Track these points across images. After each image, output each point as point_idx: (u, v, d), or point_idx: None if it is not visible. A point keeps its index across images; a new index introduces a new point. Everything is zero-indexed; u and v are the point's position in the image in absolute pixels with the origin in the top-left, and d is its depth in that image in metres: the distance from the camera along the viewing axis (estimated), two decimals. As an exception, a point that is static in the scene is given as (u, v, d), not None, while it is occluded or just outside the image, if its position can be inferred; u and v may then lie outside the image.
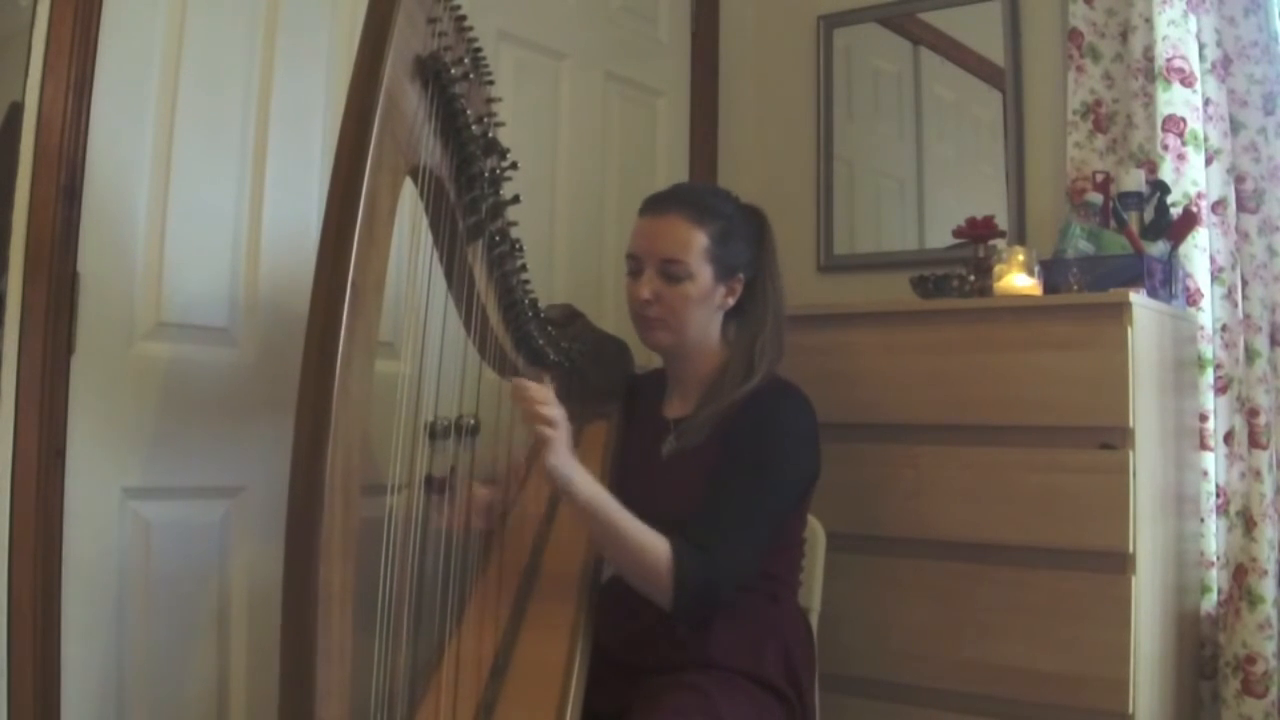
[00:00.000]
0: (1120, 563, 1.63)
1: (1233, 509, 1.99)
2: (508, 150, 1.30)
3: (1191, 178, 2.00)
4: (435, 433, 1.27)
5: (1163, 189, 1.96)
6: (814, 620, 1.66)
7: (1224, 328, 2.02)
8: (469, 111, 1.21)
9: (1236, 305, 2.02)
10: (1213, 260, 2.02)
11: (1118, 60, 2.14)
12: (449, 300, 1.36)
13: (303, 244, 1.59)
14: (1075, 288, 1.83)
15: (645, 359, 1.77)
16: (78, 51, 1.45)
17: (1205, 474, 1.99)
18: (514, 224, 1.38)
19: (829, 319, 1.93)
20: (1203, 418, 2.00)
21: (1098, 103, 2.15)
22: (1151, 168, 2.01)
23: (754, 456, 1.46)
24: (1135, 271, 1.80)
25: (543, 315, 1.53)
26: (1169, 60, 2.01)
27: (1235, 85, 2.05)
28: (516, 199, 1.36)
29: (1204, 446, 1.99)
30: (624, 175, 2.36)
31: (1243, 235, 2.03)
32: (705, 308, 1.55)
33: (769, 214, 1.63)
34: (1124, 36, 2.12)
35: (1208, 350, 2.00)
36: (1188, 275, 1.98)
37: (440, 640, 1.37)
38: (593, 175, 2.31)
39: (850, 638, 1.82)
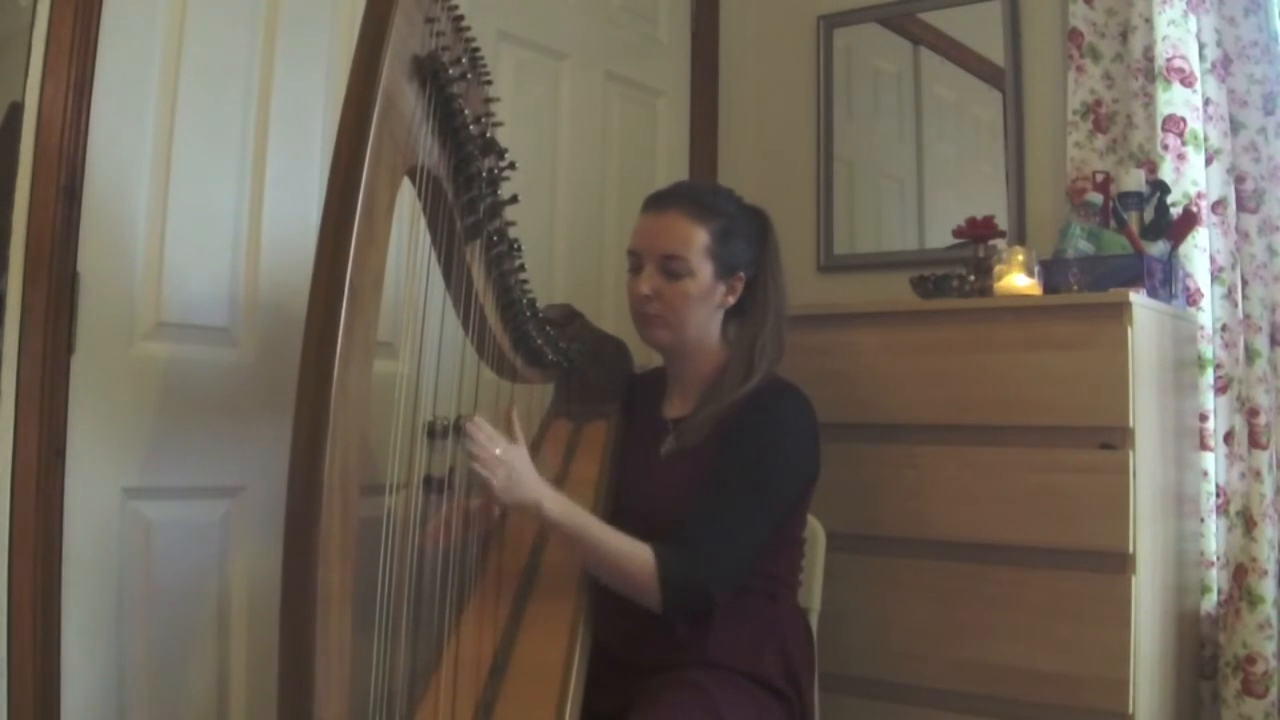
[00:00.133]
0: (1120, 563, 1.63)
1: (1233, 509, 1.99)
2: (506, 150, 1.30)
3: (1191, 178, 2.00)
4: (434, 433, 1.27)
5: (1163, 189, 1.96)
6: (814, 620, 1.66)
7: (1224, 328, 2.02)
8: (467, 111, 1.21)
9: (1236, 305, 2.02)
10: (1213, 260, 2.02)
11: (1118, 60, 2.14)
12: (447, 300, 1.36)
13: (302, 244, 1.57)
14: (1075, 288, 1.83)
15: (645, 359, 1.77)
16: (78, 51, 1.45)
17: (1205, 474, 1.99)
18: (512, 224, 1.38)
19: (829, 319, 1.93)
20: (1203, 418, 1.99)
21: (1098, 103, 2.15)
22: (1151, 168, 2.01)
23: (752, 456, 1.46)
24: (1135, 271, 1.80)
25: (541, 315, 1.53)
26: (1169, 60, 2.01)
27: (1235, 85, 2.05)
28: (515, 199, 1.36)
29: (1204, 446, 1.99)
30: (624, 175, 2.36)
31: (1243, 235, 2.03)
32: (705, 305, 1.55)
33: (769, 214, 1.63)
34: (1124, 36, 2.12)
35: (1208, 350, 2.00)
36: (1188, 275, 1.98)
37: (439, 640, 1.37)
38: (593, 175, 2.31)
39: (850, 638, 1.82)
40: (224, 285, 1.64)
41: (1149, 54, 2.04)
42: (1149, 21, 2.04)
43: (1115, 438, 1.65)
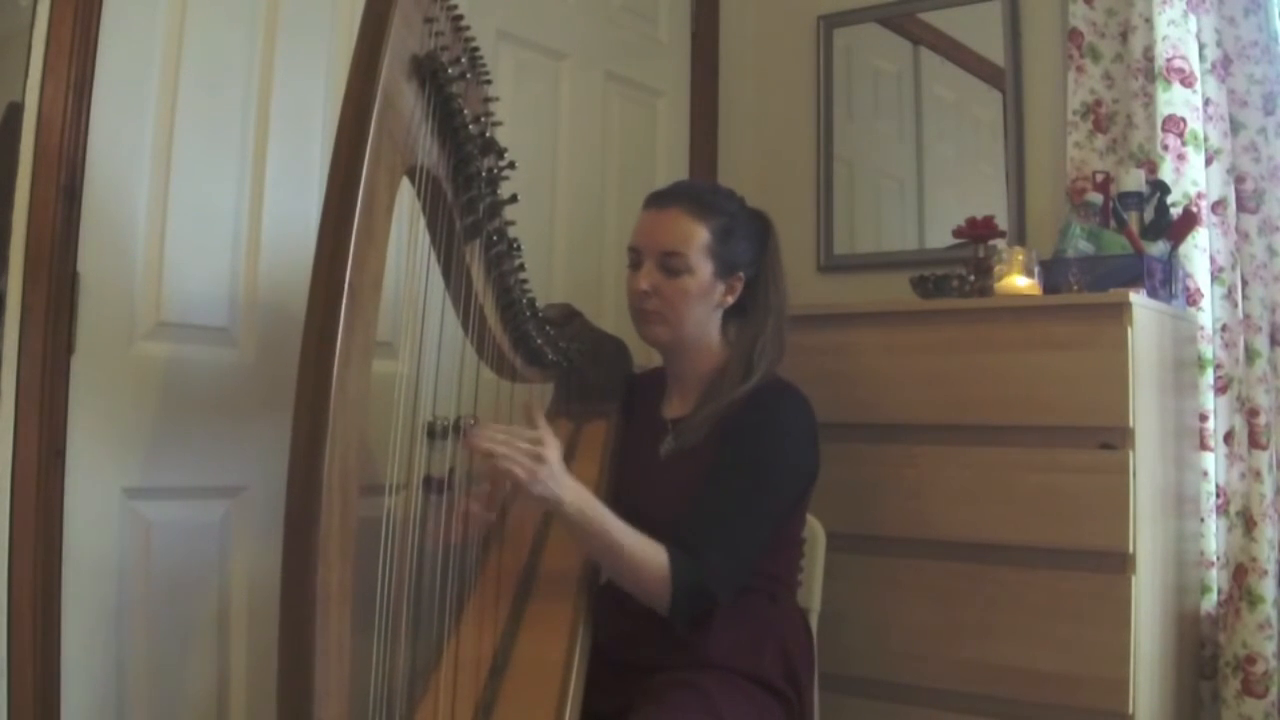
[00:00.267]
0: (1120, 563, 1.63)
1: (1233, 509, 1.99)
2: (505, 150, 1.30)
3: (1191, 178, 2.00)
4: (434, 433, 1.27)
5: (1163, 189, 1.96)
6: (814, 620, 1.66)
7: (1224, 328, 2.02)
8: (466, 111, 1.21)
9: (1236, 305, 2.02)
10: (1213, 260, 2.02)
11: (1118, 60, 2.14)
12: (447, 300, 1.36)
13: (302, 243, 1.57)
14: (1075, 288, 1.83)
15: (645, 358, 1.77)
16: (78, 51, 1.45)
17: (1205, 474, 1.99)
18: (511, 223, 1.38)
19: (829, 319, 1.93)
20: (1203, 418, 1.99)
21: (1098, 103, 2.15)
22: (1151, 168, 2.01)
23: (751, 456, 1.46)
24: (1135, 271, 1.80)
25: (541, 315, 1.53)
26: (1169, 60, 2.01)
27: (1235, 85, 2.05)
28: (514, 198, 1.36)
29: (1204, 446, 1.99)
30: (624, 175, 2.36)
31: (1243, 235, 2.03)
32: (704, 304, 1.55)
33: (769, 214, 1.63)
34: (1124, 36, 2.12)
35: (1208, 350, 2.00)
36: (1188, 275, 1.98)
37: (439, 640, 1.37)
38: (593, 175, 2.31)
39: (850, 638, 1.82)
40: (224, 285, 1.64)
41: (1149, 54, 2.04)
42: (1149, 21, 2.04)
43: (1115, 438, 1.65)
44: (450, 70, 1.17)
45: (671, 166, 2.50)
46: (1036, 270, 1.83)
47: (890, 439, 1.84)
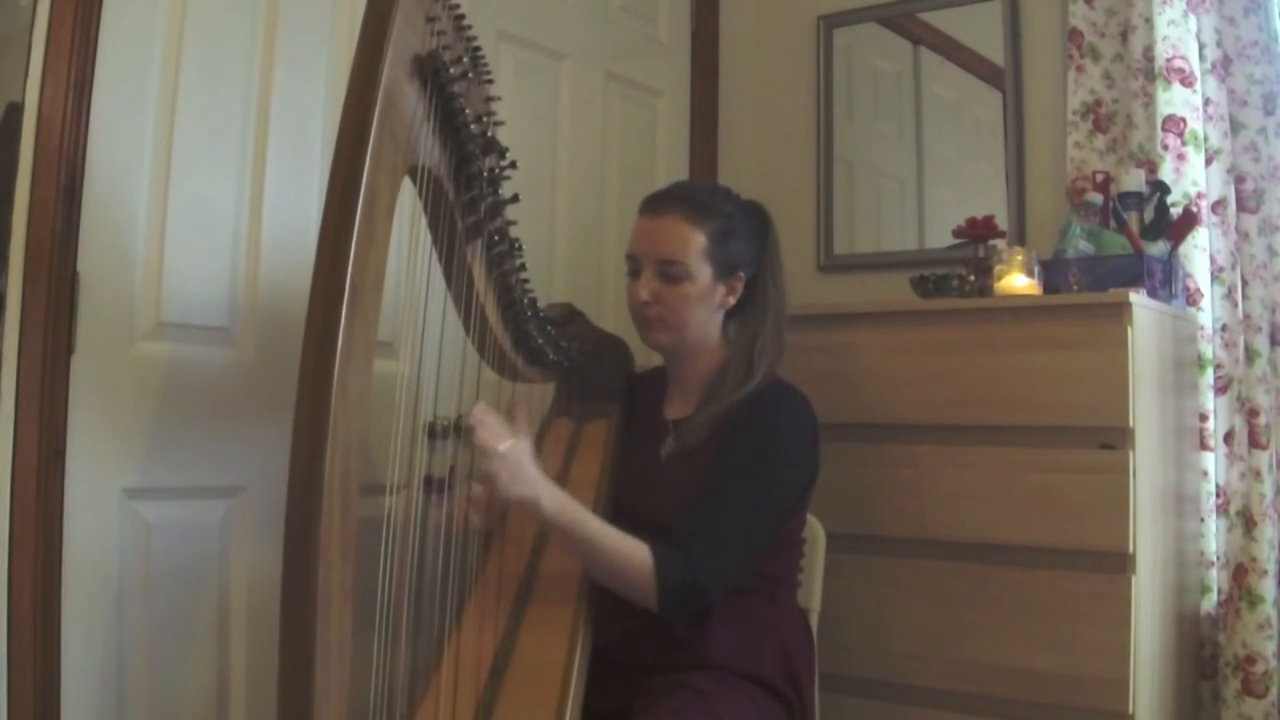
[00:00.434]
0: (1120, 563, 1.63)
1: (1233, 509, 1.99)
2: (506, 149, 1.30)
3: (1191, 178, 2.00)
4: (434, 433, 1.27)
5: (1163, 189, 1.96)
6: (814, 620, 1.66)
7: (1224, 328, 2.02)
8: (467, 110, 1.21)
9: (1236, 305, 2.02)
10: (1213, 260, 2.02)
11: (1118, 60, 2.14)
12: (448, 300, 1.36)
13: (303, 244, 1.58)
14: (1075, 288, 1.83)
15: (645, 358, 1.77)
16: (78, 51, 1.45)
17: (1205, 474, 1.99)
18: (513, 223, 1.38)
19: (829, 319, 1.92)
20: (1203, 418, 1.99)
21: (1098, 103, 2.15)
22: (1151, 168, 2.01)
23: (751, 458, 1.46)
24: (1135, 271, 1.80)
25: (542, 314, 1.53)
26: (1169, 60, 2.01)
27: (1235, 85, 2.05)
28: (515, 198, 1.36)
29: (1204, 446, 1.99)
30: (624, 175, 2.36)
31: (1243, 235, 2.03)
32: (705, 308, 1.55)
33: (767, 209, 1.62)
34: (1124, 36, 2.12)
35: (1208, 350, 2.00)
36: (1188, 275, 1.98)
37: (439, 640, 1.37)
38: (593, 175, 2.31)
39: (850, 638, 1.82)
40: (224, 285, 1.64)
41: (1149, 54, 2.04)
42: (1149, 21, 2.04)
43: (1115, 438, 1.65)
44: (452, 70, 1.17)
45: (671, 166, 2.50)
46: (1036, 270, 1.83)
47: (890, 439, 1.84)
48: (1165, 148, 2.01)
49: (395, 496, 1.22)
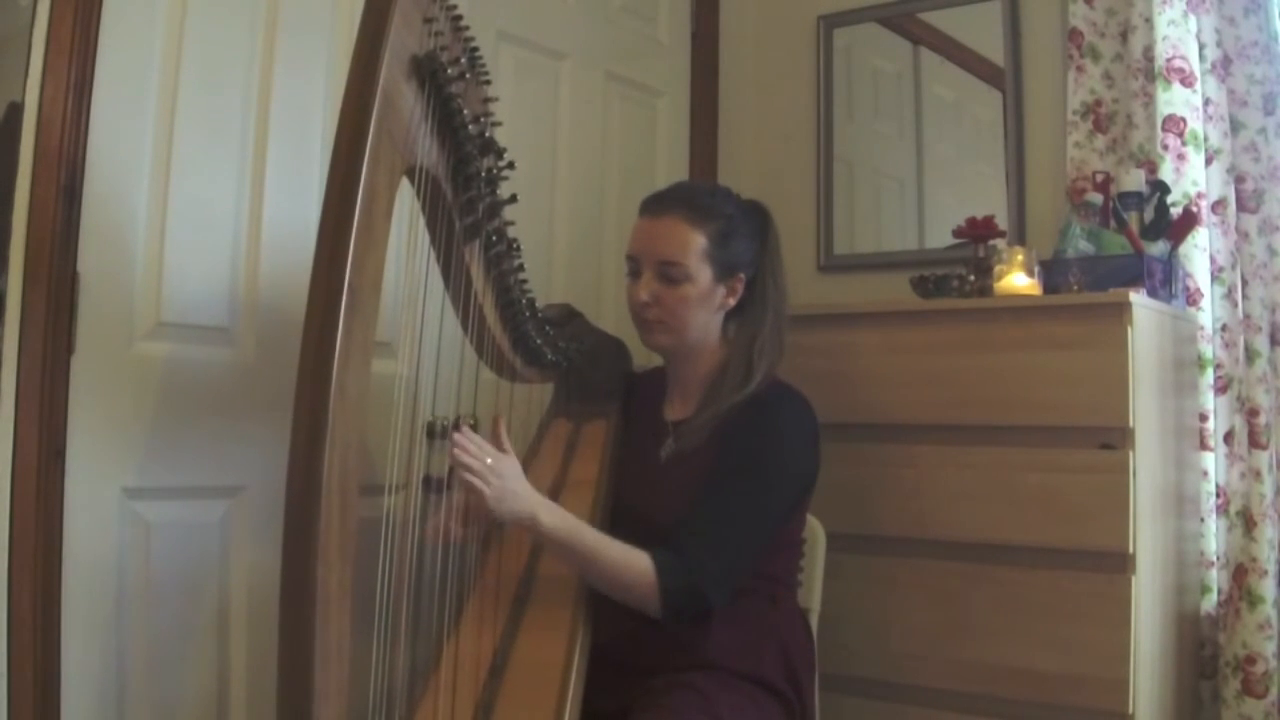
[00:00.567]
0: (1120, 563, 1.63)
1: (1233, 509, 1.99)
2: (505, 150, 1.30)
3: (1191, 178, 2.00)
4: (433, 433, 1.27)
5: (1163, 189, 1.96)
6: (814, 620, 1.66)
7: (1224, 328, 2.02)
8: (465, 111, 1.21)
9: (1236, 305, 2.02)
10: (1213, 260, 2.02)
11: (1118, 60, 2.14)
12: (446, 300, 1.36)
13: (302, 244, 1.57)
14: (1075, 288, 1.83)
15: (645, 358, 1.77)
16: (78, 51, 1.45)
17: (1205, 474, 1.99)
18: (511, 223, 1.38)
19: (829, 319, 1.93)
20: (1203, 418, 1.99)
21: (1098, 103, 2.15)
22: (1151, 168, 2.01)
23: (751, 460, 1.46)
24: (1135, 271, 1.80)
25: (540, 315, 1.53)
26: (1169, 60, 2.01)
27: (1235, 85, 2.05)
28: (514, 198, 1.36)
29: (1204, 446, 1.99)
30: (624, 175, 2.36)
31: (1243, 235, 2.03)
32: (705, 309, 1.55)
33: (768, 207, 1.62)
34: (1124, 36, 2.12)
35: (1208, 350, 2.00)
36: (1188, 275, 1.98)
37: (439, 640, 1.37)
38: (593, 175, 2.31)
39: (850, 638, 1.82)
40: (224, 285, 1.64)
41: (1149, 54, 2.04)
42: (1149, 21, 2.04)
43: (1115, 438, 1.65)
44: (450, 70, 1.17)
45: (671, 166, 2.50)
46: (1036, 270, 1.83)
47: (890, 439, 1.84)
48: (1165, 148, 2.01)
49: (394, 496, 1.22)
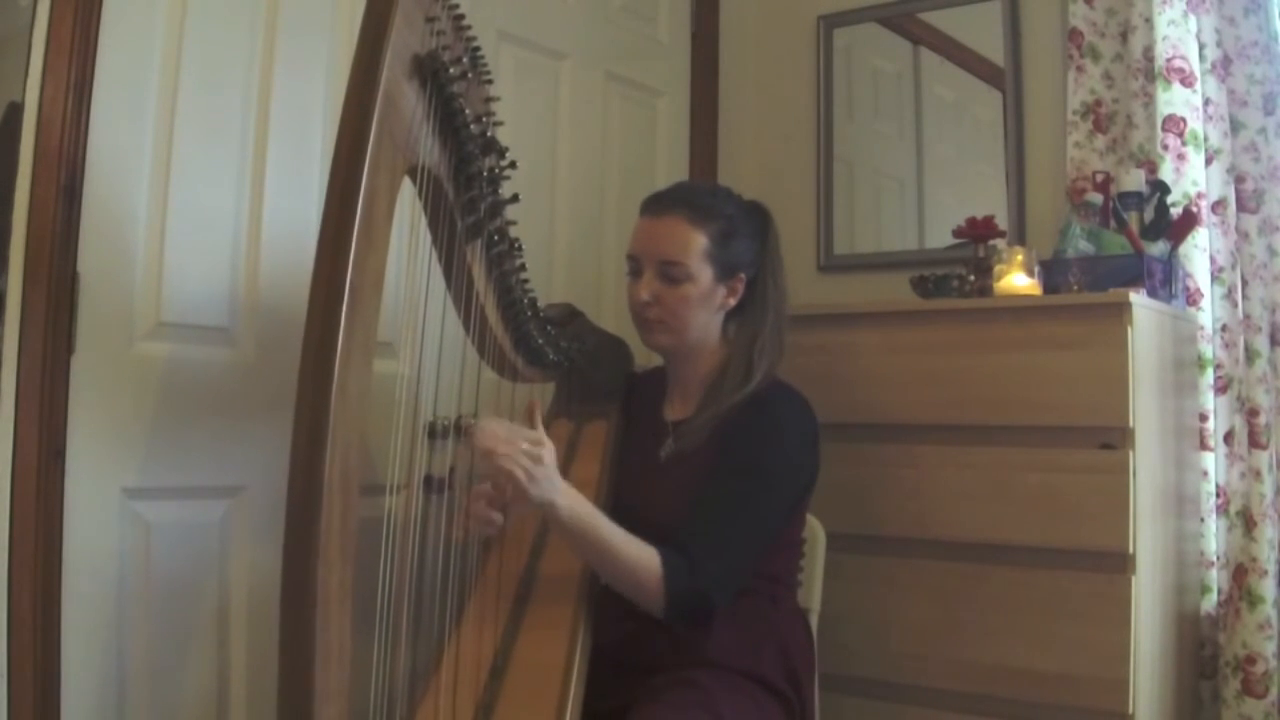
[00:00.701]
0: (1120, 563, 1.63)
1: (1233, 509, 1.99)
2: (506, 149, 1.30)
3: (1191, 178, 2.00)
4: (434, 433, 1.27)
5: (1163, 189, 1.96)
6: (814, 620, 1.66)
7: (1224, 328, 2.02)
8: (467, 111, 1.21)
9: (1236, 305, 2.02)
10: (1213, 260, 2.02)
11: (1118, 60, 2.14)
12: (448, 300, 1.36)
13: (303, 244, 1.58)
14: (1075, 288, 1.83)
15: (645, 358, 1.77)
16: (78, 51, 1.45)
17: (1205, 474, 1.99)
18: (513, 223, 1.38)
19: (829, 319, 1.93)
20: (1203, 418, 1.99)
21: (1098, 103, 2.15)
22: (1151, 168, 2.01)
23: (751, 460, 1.46)
24: (1135, 271, 1.80)
25: (542, 314, 1.53)
26: (1169, 60, 2.01)
27: (1235, 85, 2.05)
28: (515, 198, 1.36)
29: (1204, 446, 1.99)
30: (624, 175, 2.36)
31: (1243, 235, 2.03)
32: (706, 309, 1.55)
33: (768, 207, 1.62)
34: (1124, 36, 2.12)
35: (1208, 350, 2.00)
36: (1188, 275, 1.98)
37: (439, 640, 1.37)
38: (593, 175, 2.31)
39: (850, 638, 1.82)
40: (224, 285, 1.64)
41: (1149, 54, 2.04)
42: (1149, 21, 2.04)
43: (1115, 438, 1.65)
44: (452, 70, 1.17)
45: (671, 167, 2.50)
46: (1036, 270, 1.83)
47: (890, 439, 1.84)
48: (1165, 148, 2.01)
49: (395, 496, 1.22)
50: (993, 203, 2.27)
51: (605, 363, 1.73)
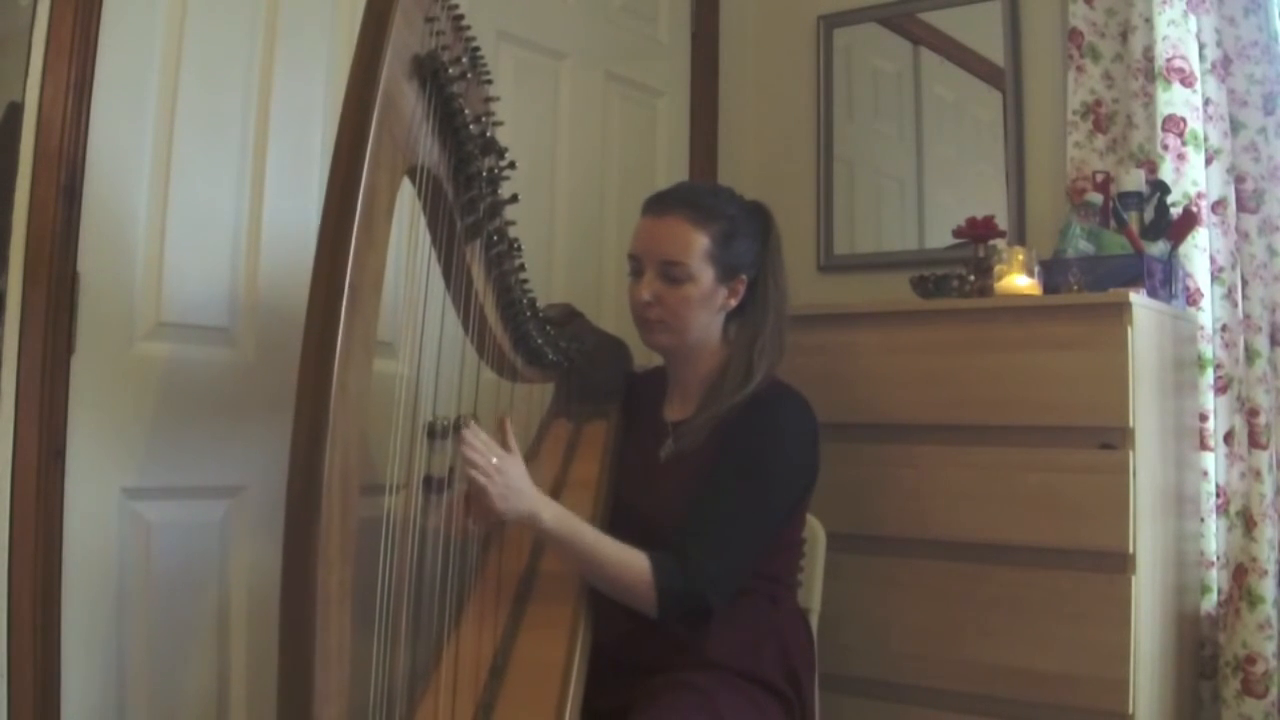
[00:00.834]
0: (1120, 563, 1.63)
1: (1233, 509, 1.99)
2: (506, 149, 1.30)
3: (1191, 178, 2.00)
4: (434, 433, 1.27)
5: (1163, 189, 1.96)
6: (814, 620, 1.66)
7: (1224, 328, 2.02)
8: (467, 111, 1.21)
9: (1236, 305, 2.02)
10: (1213, 260, 2.02)
11: (1118, 60, 2.14)
12: (447, 300, 1.36)
13: (302, 244, 1.57)
14: (1075, 288, 1.83)
15: (645, 358, 1.77)
16: (78, 51, 1.45)
17: (1205, 474, 1.99)
18: (512, 223, 1.38)
19: (829, 319, 1.93)
20: (1203, 418, 1.99)
21: (1098, 103, 2.15)
22: (1151, 168, 2.01)
23: (750, 461, 1.46)
24: (1135, 271, 1.80)
25: (541, 315, 1.53)
26: (1169, 60, 2.01)
27: (1235, 85, 2.05)
28: (515, 198, 1.36)
29: (1204, 446, 1.99)
30: (624, 175, 2.36)
31: (1243, 235, 2.03)
32: (707, 309, 1.54)
33: (769, 207, 1.62)
34: (1124, 36, 2.12)
35: (1208, 350, 2.00)
36: (1188, 275, 1.98)
37: (439, 640, 1.37)
38: (593, 175, 2.31)
39: (850, 638, 1.82)
40: (224, 285, 1.64)
41: (1149, 54, 2.04)
42: (1149, 21, 2.04)
43: (1115, 438, 1.65)
44: (451, 70, 1.17)
45: (671, 167, 2.50)
46: (1036, 270, 1.83)
47: (890, 439, 1.84)
48: (1165, 148, 2.01)
49: (395, 496, 1.22)
50: (993, 203, 2.27)
51: (604, 363, 1.73)
